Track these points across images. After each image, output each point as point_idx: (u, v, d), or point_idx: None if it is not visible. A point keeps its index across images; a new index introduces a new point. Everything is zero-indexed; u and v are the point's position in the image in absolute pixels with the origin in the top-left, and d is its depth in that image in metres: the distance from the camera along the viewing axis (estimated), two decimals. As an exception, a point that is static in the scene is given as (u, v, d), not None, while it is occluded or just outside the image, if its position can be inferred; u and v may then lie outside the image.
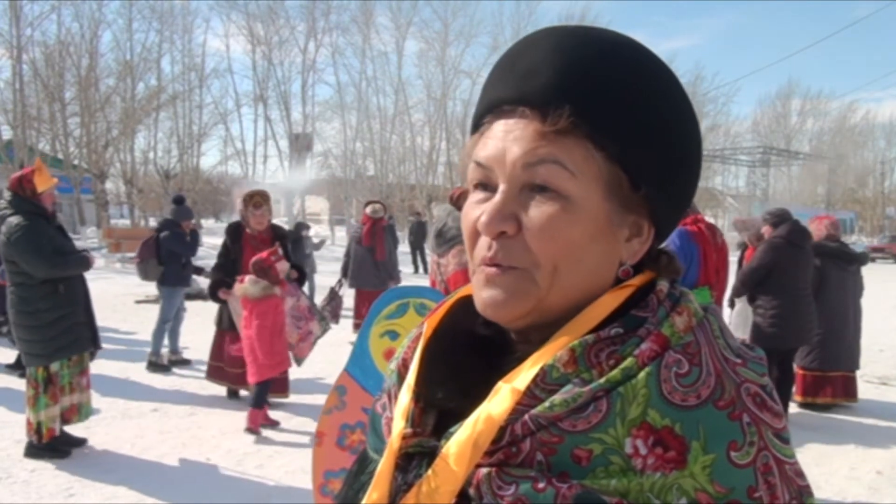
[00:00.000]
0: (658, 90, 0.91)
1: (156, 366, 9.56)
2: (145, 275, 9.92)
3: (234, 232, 7.52)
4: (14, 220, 6.01)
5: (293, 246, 9.79)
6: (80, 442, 6.55)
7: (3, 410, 7.67)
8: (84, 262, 6.29)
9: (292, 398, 8.14)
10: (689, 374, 0.83)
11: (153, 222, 43.61)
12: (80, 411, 6.45)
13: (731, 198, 53.39)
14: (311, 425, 6.71)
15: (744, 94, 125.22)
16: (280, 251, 7.08)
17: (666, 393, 0.82)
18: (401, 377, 1.04)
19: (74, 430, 6.74)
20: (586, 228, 0.89)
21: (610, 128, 0.88)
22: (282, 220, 47.13)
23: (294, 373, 7.96)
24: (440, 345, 1.03)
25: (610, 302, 0.91)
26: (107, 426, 7.12)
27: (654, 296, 0.91)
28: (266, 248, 7.13)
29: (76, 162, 39.32)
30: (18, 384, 8.60)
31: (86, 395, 6.49)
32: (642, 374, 0.83)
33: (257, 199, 7.40)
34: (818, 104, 74.27)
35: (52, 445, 6.28)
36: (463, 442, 0.86)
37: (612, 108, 0.87)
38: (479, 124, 0.98)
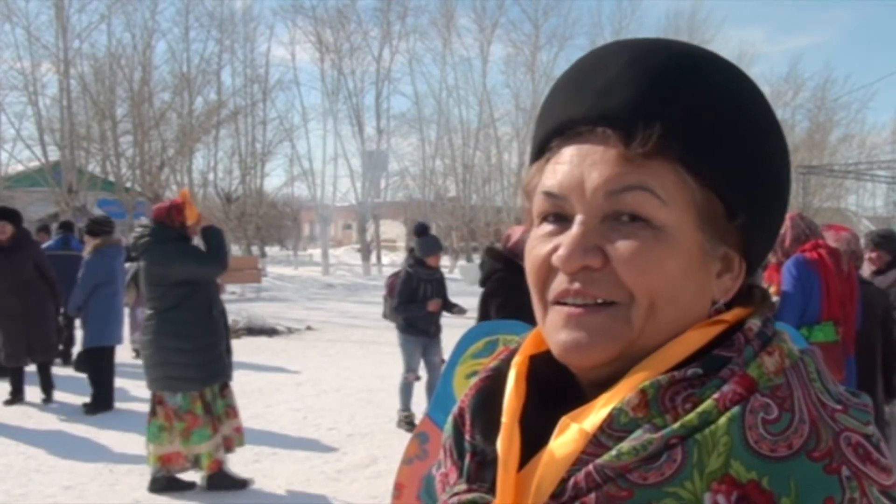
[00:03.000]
0: (751, 106, 0.91)
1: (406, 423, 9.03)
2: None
3: (515, 266, 6.08)
4: (163, 247, 6.60)
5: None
6: (244, 483, 6.99)
7: (44, 454, 7.90)
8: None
9: (373, 445, 8.24)
10: (779, 421, 0.81)
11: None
12: (238, 438, 7.05)
13: (867, 220, 52.03)
14: (390, 477, 6.77)
15: (882, 98, 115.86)
16: None
17: (752, 442, 0.80)
18: (457, 428, 1.02)
19: (129, 479, 6.94)
20: (679, 261, 0.88)
21: (705, 149, 0.87)
22: (353, 248, 47.53)
23: (377, 421, 8.00)
24: (497, 390, 1.01)
25: (696, 339, 0.90)
26: (164, 475, 7.29)
27: (742, 334, 0.89)
28: None
29: (129, 184, 39.90)
30: (66, 427, 8.87)
31: (236, 423, 7.05)
32: (723, 420, 0.81)
33: None
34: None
35: (179, 484, 6.83)
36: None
37: (707, 126, 0.87)
38: (543, 149, 0.97)
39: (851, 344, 5.82)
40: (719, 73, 0.90)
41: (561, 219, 0.92)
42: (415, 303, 8.84)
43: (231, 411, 6.98)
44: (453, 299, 9.34)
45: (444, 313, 9.15)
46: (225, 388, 6.94)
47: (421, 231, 9.47)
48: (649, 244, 0.87)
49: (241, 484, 6.92)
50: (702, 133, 0.87)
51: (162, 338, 6.61)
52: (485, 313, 6.20)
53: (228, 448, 6.95)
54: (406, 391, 8.94)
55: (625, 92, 0.87)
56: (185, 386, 6.66)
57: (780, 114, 53.36)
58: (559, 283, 0.91)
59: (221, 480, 6.80)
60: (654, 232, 0.87)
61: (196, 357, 6.62)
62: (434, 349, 9.05)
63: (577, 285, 0.89)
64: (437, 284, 9.06)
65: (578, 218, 0.89)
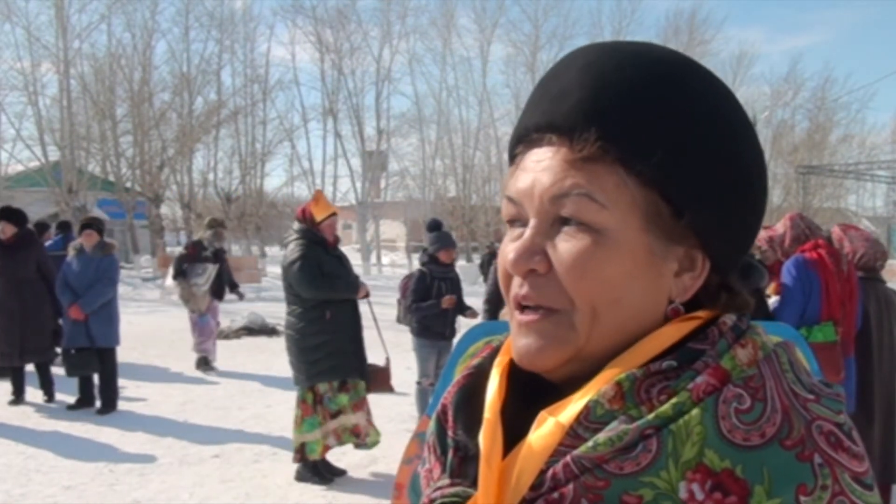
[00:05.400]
0: (699, 104, 0.90)
1: None
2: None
3: None
4: (292, 245, 7.10)
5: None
6: (341, 472, 7.40)
7: (44, 454, 7.89)
8: (352, 287, 7.27)
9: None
10: (752, 411, 0.83)
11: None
12: (363, 433, 7.33)
13: (866, 220, 52.00)
14: (390, 477, 6.78)
15: (882, 98, 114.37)
16: None
17: (725, 431, 0.82)
18: (440, 425, 1.04)
19: (129, 479, 6.95)
20: (623, 264, 0.89)
21: (642, 150, 0.87)
22: (353, 248, 47.59)
23: (377, 421, 7.99)
24: (479, 387, 1.02)
25: (671, 334, 0.91)
26: (163, 474, 7.28)
27: (716, 328, 0.91)
28: None
29: (129, 184, 39.97)
30: (66, 427, 8.87)
31: (363, 418, 7.34)
32: (696, 410, 0.83)
33: None
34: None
35: (316, 469, 7.21)
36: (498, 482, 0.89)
37: (644, 127, 0.87)
38: (514, 155, 0.99)
39: (851, 344, 5.81)
40: (665, 73, 0.90)
41: (522, 223, 0.95)
42: (429, 301, 8.54)
43: (352, 408, 7.22)
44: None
45: (459, 316, 8.82)
46: (344, 385, 7.17)
47: (433, 227, 9.27)
48: (589, 249, 0.88)
49: (333, 475, 7.28)
50: (638, 134, 0.87)
51: (289, 331, 7.16)
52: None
53: (339, 439, 7.20)
54: (422, 398, 8.61)
55: (571, 98, 0.90)
56: (295, 381, 7.21)
57: (780, 114, 53.49)
58: (514, 287, 0.94)
59: (315, 469, 7.18)
60: (595, 236, 0.88)
61: (305, 355, 7.02)
62: (448, 353, 8.76)
63: (525, 289, 0.92)
64: (452, 283, 8.76)
65: (531, 222, 0.92)
